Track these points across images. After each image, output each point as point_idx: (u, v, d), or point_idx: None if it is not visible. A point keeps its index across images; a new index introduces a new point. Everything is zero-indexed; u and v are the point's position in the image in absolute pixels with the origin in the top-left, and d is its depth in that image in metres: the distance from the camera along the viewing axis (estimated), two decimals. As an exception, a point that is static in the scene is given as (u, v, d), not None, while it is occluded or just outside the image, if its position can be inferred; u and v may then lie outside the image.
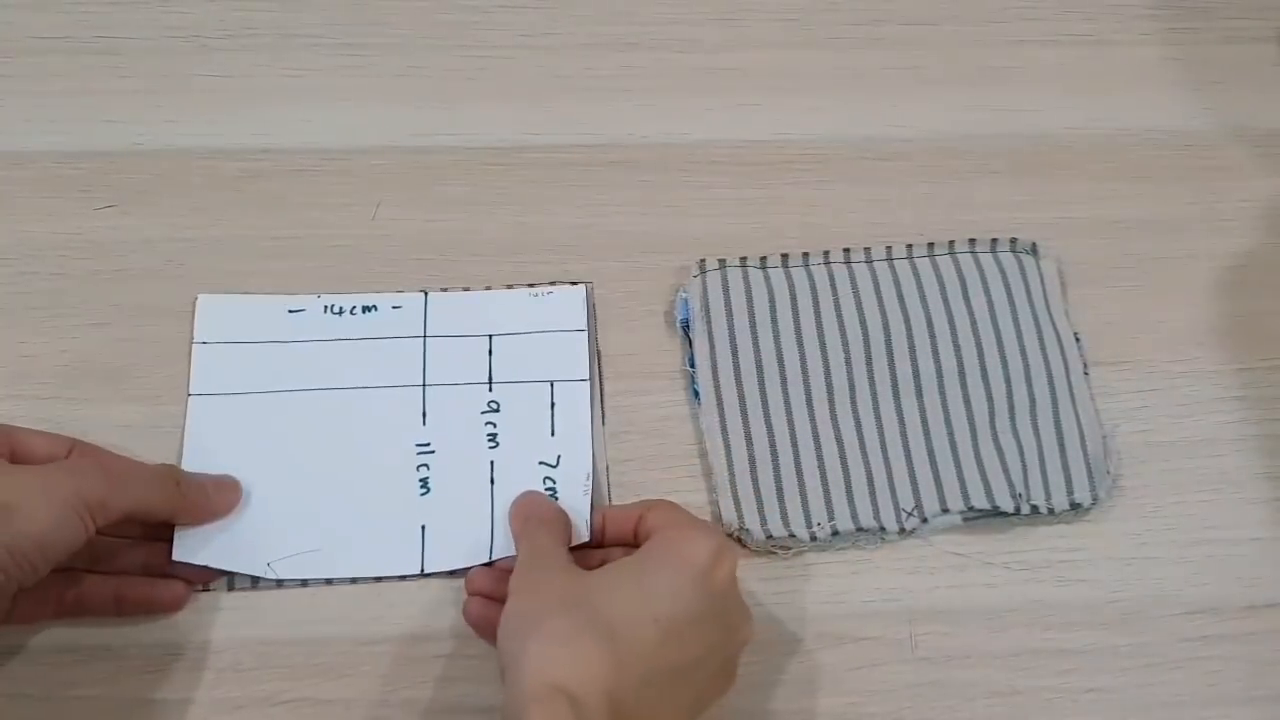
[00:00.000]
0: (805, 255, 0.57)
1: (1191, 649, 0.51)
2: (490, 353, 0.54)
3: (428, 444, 0.52)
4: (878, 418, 0.53)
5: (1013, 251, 0.57)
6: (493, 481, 0.51)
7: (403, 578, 0.50)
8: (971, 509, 0.52)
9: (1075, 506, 0.52)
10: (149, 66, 0.61)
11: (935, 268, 0.56)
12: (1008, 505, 0.52)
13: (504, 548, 0.50)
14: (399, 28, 0.62)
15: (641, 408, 0.54)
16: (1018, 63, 0.63)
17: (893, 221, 0.58)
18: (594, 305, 0.56)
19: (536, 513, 0.49)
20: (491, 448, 0.52)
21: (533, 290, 0.55)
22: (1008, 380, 0.54)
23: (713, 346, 0.54)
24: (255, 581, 0.50)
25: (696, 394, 0.54)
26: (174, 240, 0.56)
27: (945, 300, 0.56)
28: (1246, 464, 0.54)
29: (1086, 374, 0.55)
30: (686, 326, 0.55)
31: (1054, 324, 0.55)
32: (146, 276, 0.56)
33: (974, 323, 0.55)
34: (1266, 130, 0.61)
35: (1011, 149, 0.60)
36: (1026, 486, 0.52)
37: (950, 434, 0.53)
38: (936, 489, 0.52)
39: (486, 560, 0.50)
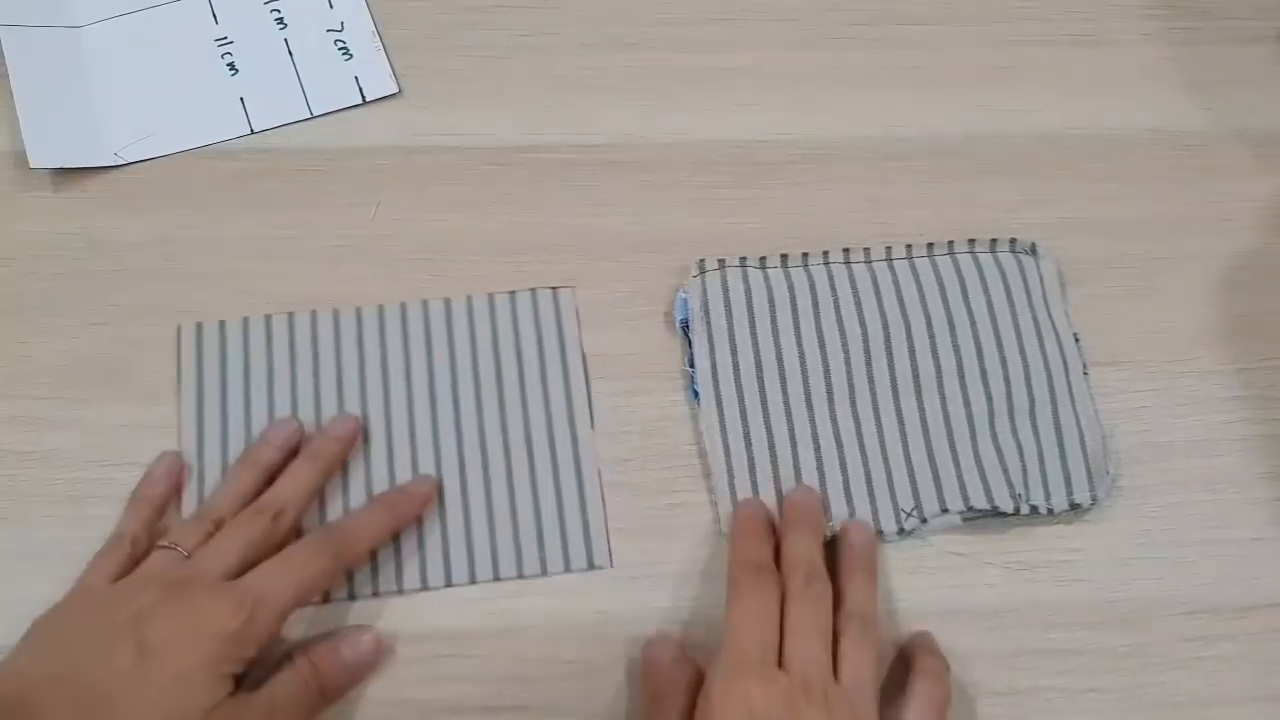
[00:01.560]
0: (805, 256, 0.57)
1: (1191, 649, 0.51)
2: None
3: (226, 37, 0.60)
4: (877, 418, 0.53)
5: (1012, 252, 0.57)
6: (291, 54, 0.59)
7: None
8: (971, 509, 0.52)
9: (1075, 507, 0.52)
10: (149, 66, 0.61)
11: (935, 268, 0.56)
12: (1007, 505, 0.52)
13: (316, 96, 0.59)
14: (398, 27, 0.62)
15: (641, 408, 0.54)
16: (1018, 63, 0.62)
17: (893, 221, 0.58)
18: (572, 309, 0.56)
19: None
20: (281, 28, 0.60)
21: None
22: (1007, 381, 0.54)
23: (712, 347, 0.54)
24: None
25: (696, 394, 0.54)
26: (174, 240, 0.56)
27: (945, 301, 0.56)
28: (1246, 464, 0.54)
29: (1086, 374, 0.55)
30: (686, 326, 0.55)
31: (1054, 324, 0.55)
32: (146, 276, 0.56)
33: (973, 323, 0.55)
34: (1266, 130, 0.61)
35: (1011, 149, 0.60)
36: (1026, 487, 0.52)
37: (950, 435, 0.53)
38: (936, 489, 0.52)
39: (305, 112, 0.59)
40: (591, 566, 0.51)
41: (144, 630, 0.42)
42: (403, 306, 0.55)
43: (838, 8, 0.64)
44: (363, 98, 0.60)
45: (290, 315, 0.55)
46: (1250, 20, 0.64)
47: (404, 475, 0.52)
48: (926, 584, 0.51)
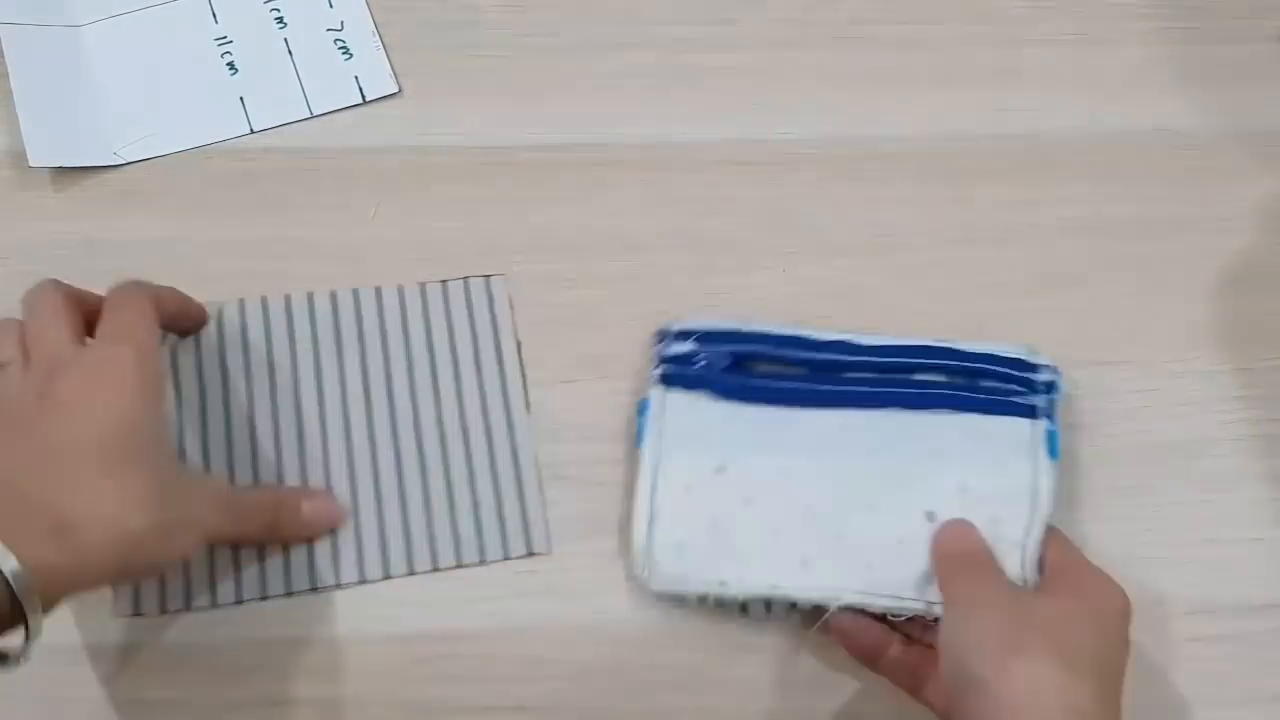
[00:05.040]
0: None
1: (1191, 649, 0.51)
2: None
3: (225, 36, 0.60)
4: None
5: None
6: (291, 53, 0.59)
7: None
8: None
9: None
10: (149, 66, 0.61)
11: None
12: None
13: (316, 96, 0.59)
14: (398, 27, 0.62)
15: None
16: (1017, 63, 0.62)
17: (893, 221, 0.58)
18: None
19: (964, 547, 0.49)
20: (281, 28, 0.60)
21: None
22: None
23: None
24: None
25: None
26: (174, 240, 0.56)
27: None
28: (1246, 464, 0.54)
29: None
30: None
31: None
32: (146, 276, 0.55)
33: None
34: (1266, 130, 0.61)
35: (1011, 149, 0.60)
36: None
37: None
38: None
39: (305, 112, 0.58)
40: (530, 553, 0.51)
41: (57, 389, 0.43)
42: (333, 295, 0.55)
43: (838, 8, 0.64)
44: (363, 97, 0.60)
45: (219, 307, 0.54)
46: (1250, 20, 0.64)
47: (339, 468, 0.52)
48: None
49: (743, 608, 0.50)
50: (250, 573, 0.50)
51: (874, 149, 0.60)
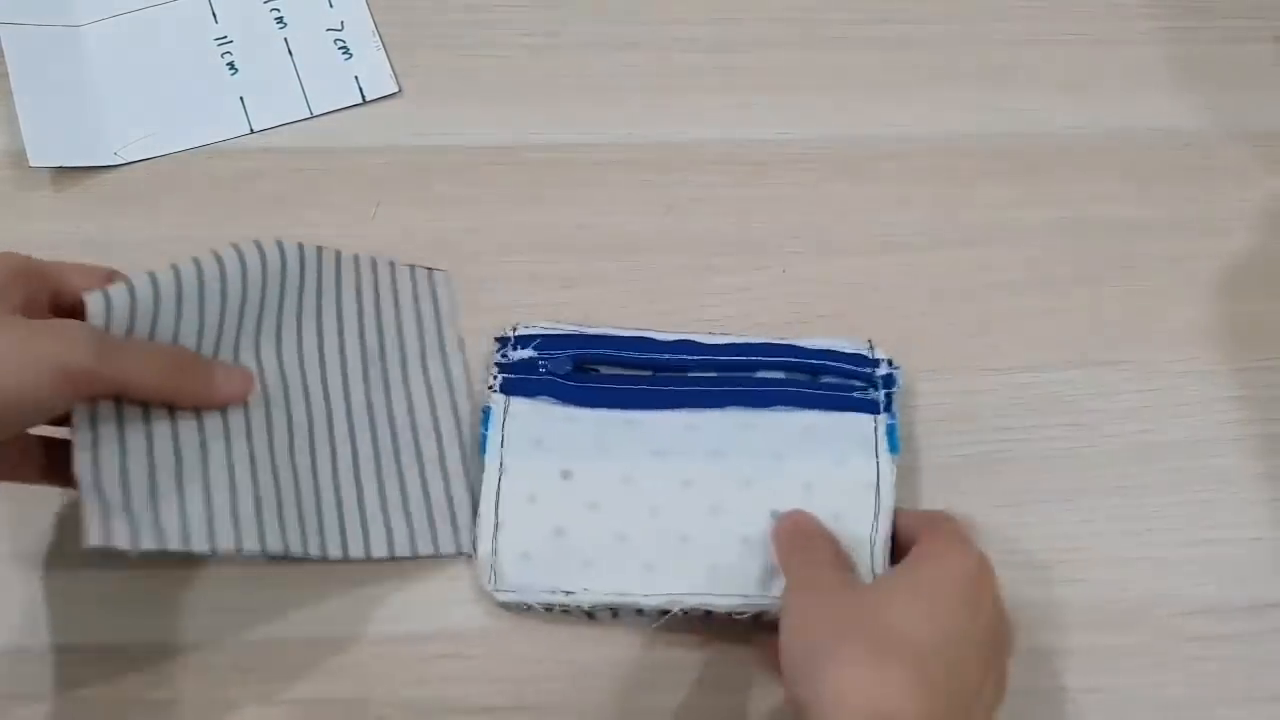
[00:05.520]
0: None
1: (1191, 649, 0.51)
2: None
3: (225, 36, 0.60)
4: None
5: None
6: (291, 53, 0.59)
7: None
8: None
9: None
10: (149, 66, 0.61)
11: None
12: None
13: (316, 96, 0.59)
14: (398, 27, 0.62)
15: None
16: (1018, 63, 0.63)
17: (893, 221, 0.58)
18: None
19: (800, 533, 0.48)
20: (281, 28, 0.60)
21: None
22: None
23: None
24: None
25: None
26: (174, 240, 0.56)
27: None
28: (1246, 464, 0.54)
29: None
30: None
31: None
32: (146, 276, 0.56)
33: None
34: (1266, 130, 0.61)
35: (1011, 149, 0.60)
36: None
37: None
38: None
39: (305, 112, 0.58)
40: (460, 553, 0.50)
41: None
42: (300, 249, 0.52)
43: (838, 7, 0.64)
44: (363, 97, 0.60)
45: (175, 269, 0.47)
46: (1250, 20, 0.64)
47: (281, 438, 0.50)
48: (926, 584, 0.51)
49: (589, 614, 0.50)
50: (196, 516, 0.46)
51: (874, 149, 0.60)
